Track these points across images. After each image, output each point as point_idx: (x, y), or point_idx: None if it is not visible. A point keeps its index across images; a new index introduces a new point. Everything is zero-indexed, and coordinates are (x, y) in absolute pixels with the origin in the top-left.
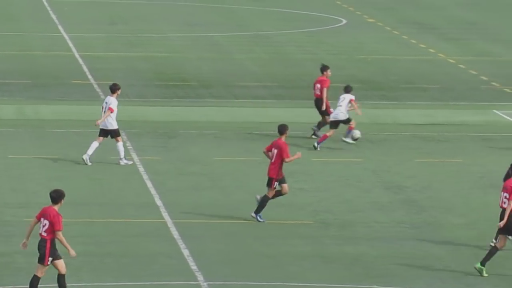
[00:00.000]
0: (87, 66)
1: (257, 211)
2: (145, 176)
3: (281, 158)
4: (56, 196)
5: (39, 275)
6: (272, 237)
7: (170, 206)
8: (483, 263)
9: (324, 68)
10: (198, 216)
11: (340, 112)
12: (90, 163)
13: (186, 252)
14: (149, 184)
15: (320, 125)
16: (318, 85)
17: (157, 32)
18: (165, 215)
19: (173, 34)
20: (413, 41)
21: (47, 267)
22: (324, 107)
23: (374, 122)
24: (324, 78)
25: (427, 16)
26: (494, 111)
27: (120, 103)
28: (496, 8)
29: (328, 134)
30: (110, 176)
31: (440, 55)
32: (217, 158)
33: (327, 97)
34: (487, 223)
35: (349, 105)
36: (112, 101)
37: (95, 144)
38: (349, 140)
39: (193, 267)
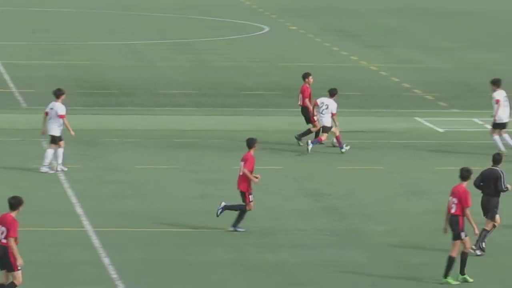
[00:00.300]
0: (9, 74)
1: (235, 224)
2: (66, 185)
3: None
4: (14, 203)
5: (17, 283)
6: (193, 245)
7: (91, 215)
8: (462, 272)
9: (305, 75)
10: (120, 225)
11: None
12: (66, 168)
13: (107, 261)
14: (70, 192)
15: (305, 133)
16: (300, 95)
17: (79, 40)
18: (86, 223)
19: (95, 42)
20: (335, 48)
21: (19, 271)
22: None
23: (296, 130)
24: (305, 86)
25: (349, 23)
26: (416, 118)
27: (41, 111)
28: (418, 15)
29: (322, 138)
30: (31, 184)
31: (362, 62)
32: (138, 166)
33: (310, 106)
34: (409, 230)
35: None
36: (58, 107)
37: (60, 151)
38: (310, 146)
39: (114, 275)
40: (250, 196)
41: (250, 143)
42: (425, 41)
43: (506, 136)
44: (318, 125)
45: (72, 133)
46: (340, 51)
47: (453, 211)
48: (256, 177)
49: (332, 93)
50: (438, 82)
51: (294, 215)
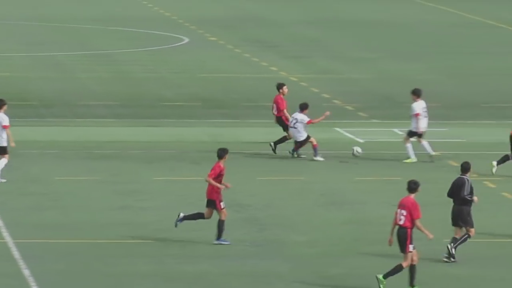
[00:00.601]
0: None
1: (218, 237)
2: None
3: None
4: None
5: None
6: (113, 256)
7: (11, 226)
8: (411, 284)
9: (279, 86)
10: (39, 236)
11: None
12: (4, 180)
13: (26, 273)
14: None
15: (281, 140)
16: (275, 105)
17: None
18: (6, 235)
19: (15, 54)
20: (255, 59)
21: None
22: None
23: (216, 141)
24: (280, 97)
25: (268, 34)
26: (336, 128)
27: None
28: (337, 26)
29: (313, 141)
30: None
31: (282, 73)
32: (58, 178)
33: (288, 116)
34: (329, 241)
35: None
36: (3, 117)
37: (3, 162)
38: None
39: (34, 287)
40: (221, 204)
41: (221, 153)
42: (344, 52)
43: (424, 143)
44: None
45: (13, 144)
46: (259, 62)
47: (401, 222)
48: (225, 185)
49: (302, 108)
50: (358, 93)
51: (214, 226)
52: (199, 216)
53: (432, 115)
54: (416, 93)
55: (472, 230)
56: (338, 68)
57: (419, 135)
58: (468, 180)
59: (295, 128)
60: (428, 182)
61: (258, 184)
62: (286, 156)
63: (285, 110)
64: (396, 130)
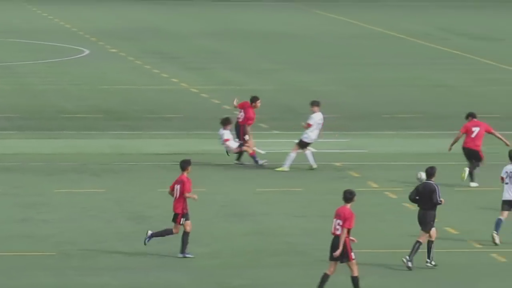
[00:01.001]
0: None
1: (183, 251)
2: None
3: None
4: None
5: None
6: (14, 269)
7: None
8: None
9: (253, 99)
10: None
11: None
12: None
13: None
14: None
15: (240, 155)
16: (243, 113)
17: None
18: None
19: None
20: (156, 70)
21: None
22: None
23: (118, 152)
24: (251, 110)
25: (169, 45)
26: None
27: None
28: (238, 37)
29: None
30: None
31: (183, 84)
32: None
33: (248, 131)
34: (231, 252)
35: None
36: None
37: None
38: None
39: None
40: (182, 219)
41: (184, 165)
42: (245, 63)
43: (308, 152)
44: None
45: None
46: (160, 74)
47: (338, 232)
48: (194, 196)
49: (224, 123)
50: None
51: (115, 237)
52: (167, 233)
53: (333, 126)
54: (315, 104)
55: (427, 235)
56: (239, 79)
57: (307, 145)
58: (436, 185)
59: (225, 144)
60: (330, 193)
61: (159, 195)
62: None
63: (247, 127)
64: (297, 141)
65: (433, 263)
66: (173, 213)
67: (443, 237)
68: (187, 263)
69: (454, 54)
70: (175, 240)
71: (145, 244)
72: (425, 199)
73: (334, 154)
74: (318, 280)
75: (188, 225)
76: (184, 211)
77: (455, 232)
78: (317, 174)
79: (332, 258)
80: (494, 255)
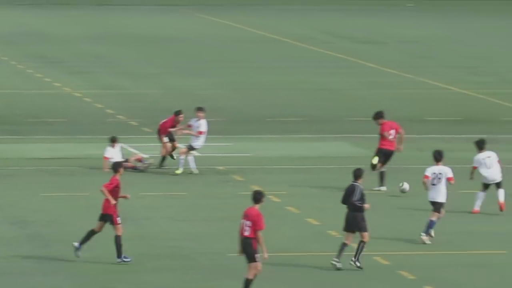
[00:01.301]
0: None
1: (119, 255)
2: None
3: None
4: None
5: None
6: None
7: None
8: None
9: (177, 112)
10: None
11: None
12: None
13: None
14: None
15: (163, 160)
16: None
17: None
18: None
19: None
20: (38, 75)
21: None
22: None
23: None
24: (172, 120)
25: (52, 50)
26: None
27: None
28: (122, 42)
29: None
30: None
31: (66, 88)
32: None
33: (163, 138)
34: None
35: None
36: None
37: None
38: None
39: None
40: (118, 219)
41: (116, 167)
42: (129, 67)
43: (191, 157)
44: (167, 148)
45: None
46: (43, 78)
47: (246, 233)
48: (125, 196)
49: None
50: (143, 108)
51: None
52: (91, 234)
53: (217, 130)
54: (201, 110)
55: (365, 234)
56: (123, 83)
57: (193, 149)
58: (358, 187)
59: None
60: (213, 197)
61: (42, 200)
62: (70, 173)
63: (163, 136)
64: (181, 145)
65: (357, 263)
66: (100, 214)
67: (326, 241)
68: (69, 267)
69: (337, 58)
70: (57, 245)
71: (78, 257)
72: (349, 200)
73: (218, 158)
74: (202, 284)
75: (119, 228)
76: (116, 211)
77: (339, 236)
78: (201, 178)
79: (249, 261)
80: (377, 258)
